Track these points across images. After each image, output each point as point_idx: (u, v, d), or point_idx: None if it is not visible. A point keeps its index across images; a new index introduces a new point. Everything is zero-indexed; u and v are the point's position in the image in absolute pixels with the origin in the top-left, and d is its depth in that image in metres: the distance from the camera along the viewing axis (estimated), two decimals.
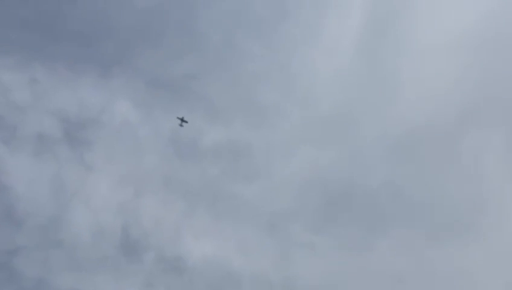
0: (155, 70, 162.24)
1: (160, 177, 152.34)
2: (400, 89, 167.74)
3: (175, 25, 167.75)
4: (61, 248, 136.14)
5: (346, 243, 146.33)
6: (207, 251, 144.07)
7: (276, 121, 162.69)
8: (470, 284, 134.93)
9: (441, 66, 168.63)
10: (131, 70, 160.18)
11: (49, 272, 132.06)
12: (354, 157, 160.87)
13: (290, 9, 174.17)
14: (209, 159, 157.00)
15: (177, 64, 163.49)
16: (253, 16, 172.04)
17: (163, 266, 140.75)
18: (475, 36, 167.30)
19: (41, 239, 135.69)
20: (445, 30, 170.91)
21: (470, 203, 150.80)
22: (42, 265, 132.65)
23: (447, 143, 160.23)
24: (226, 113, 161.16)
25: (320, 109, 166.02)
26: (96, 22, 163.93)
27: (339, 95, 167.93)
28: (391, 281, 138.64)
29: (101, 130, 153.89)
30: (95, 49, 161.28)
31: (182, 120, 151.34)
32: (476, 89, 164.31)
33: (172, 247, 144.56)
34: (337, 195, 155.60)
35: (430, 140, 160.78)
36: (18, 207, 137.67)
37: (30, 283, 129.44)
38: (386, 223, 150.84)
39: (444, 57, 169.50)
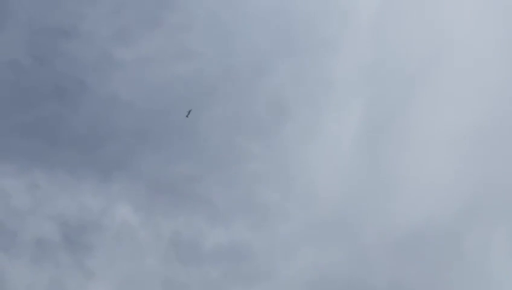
0: (155, 173, 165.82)
1: (161, 280, 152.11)
2: (401, 186, 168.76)
3: (175, 128, 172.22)
4: None
5: None
6: None
7: (277, 221, 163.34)
8: None
9: (441, 162, 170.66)
10: (131, 174, 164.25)
11: None
12: (357, 257, 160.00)
13: (289, 109, 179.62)
14: (210, 262, 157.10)
15: (177, 167, 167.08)
16: (253, 117, 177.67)
17: None
18: (476, 131, 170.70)
19: None
20: (445, 125, 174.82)
21: None
22: None
23: (450, 239, 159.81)
24: (227, 214, 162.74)
25: (321, 209, 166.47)
26: (96, 126, 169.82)
27: (340, 194, 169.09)
28: None
29: (101, 234, 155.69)
30: (95, 153, 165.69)
31: (189, 112, 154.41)
32: (478, 184, 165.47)
33: None
34: None
35: (434, 237, 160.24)
36: None
37: None
38: None
39: (444, 153, 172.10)
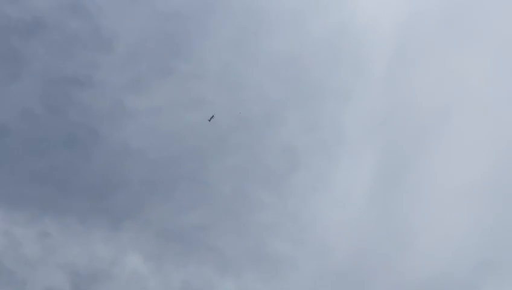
0: (165, 222, 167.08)
1: None
2: (413, 239, 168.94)
3: (185, 177, 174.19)
4: None
5: None
6: None
7: (288, 272, 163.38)
8: None
9: (455, 213, 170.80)
10: (141, 223, 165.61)
11: None
12: None
13: (300, 158, 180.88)
14: None
15: (187, 216, 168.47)
16: (263, 166, 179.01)
17: None
18: (490, 182, 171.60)
19: None
20: (458, 176, 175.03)
21: None
22: None
23: None
24: (237, 264, 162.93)
25: (332, 260, 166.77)
26: (108, 175, 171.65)
27: (352, 245, 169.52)
28: None
29: (111, 284, 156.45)
30: (106, 202, 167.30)
31: (211, 118, 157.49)
32: (493, 235, 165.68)
33: None
34: None
35: None
36: None
37: None
38: None
39: (458, 203, 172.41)
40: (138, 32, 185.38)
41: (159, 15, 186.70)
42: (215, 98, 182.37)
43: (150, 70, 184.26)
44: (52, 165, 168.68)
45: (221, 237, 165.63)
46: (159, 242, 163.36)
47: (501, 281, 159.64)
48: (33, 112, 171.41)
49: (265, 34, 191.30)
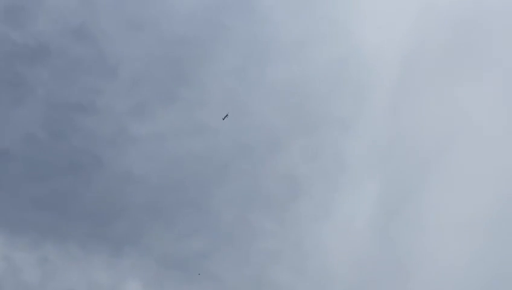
0: (166, 248, 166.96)
1: None
2: (415, 269, 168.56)
3: (187, 204, 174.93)
4: None
5: None
6: None
7: None
8: None
9: (457, 244, 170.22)
10: (142, 249, 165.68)
11: None
12: None
13: (302, 187, 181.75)
14: None
15: (188, 243, 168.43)
16: (265, 194, 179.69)
17: None
18: (490, 215, 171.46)
19: None
20: (459, 209, 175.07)
21: None
22: None
23: None
24: None
25: (334, 289, 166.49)
26: (109, 201, 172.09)
27: (353, 274, 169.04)
28: None
29: None
30: (107, 228, 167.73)
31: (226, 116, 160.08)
32: (494, 267, 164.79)
33: None
34: None
35: None
36: None
37: None
38: None
39: (460, 235, 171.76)
40: (142, 58, 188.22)
41: (164, 41, 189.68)
42: (218, 125, 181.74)
43: (154, 96, 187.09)
44: (53, 191, 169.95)
45: (222, 265, 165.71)
46: (160, 269, 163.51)
47: None
48: (36, 137, 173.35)
49: (268, 62, 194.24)
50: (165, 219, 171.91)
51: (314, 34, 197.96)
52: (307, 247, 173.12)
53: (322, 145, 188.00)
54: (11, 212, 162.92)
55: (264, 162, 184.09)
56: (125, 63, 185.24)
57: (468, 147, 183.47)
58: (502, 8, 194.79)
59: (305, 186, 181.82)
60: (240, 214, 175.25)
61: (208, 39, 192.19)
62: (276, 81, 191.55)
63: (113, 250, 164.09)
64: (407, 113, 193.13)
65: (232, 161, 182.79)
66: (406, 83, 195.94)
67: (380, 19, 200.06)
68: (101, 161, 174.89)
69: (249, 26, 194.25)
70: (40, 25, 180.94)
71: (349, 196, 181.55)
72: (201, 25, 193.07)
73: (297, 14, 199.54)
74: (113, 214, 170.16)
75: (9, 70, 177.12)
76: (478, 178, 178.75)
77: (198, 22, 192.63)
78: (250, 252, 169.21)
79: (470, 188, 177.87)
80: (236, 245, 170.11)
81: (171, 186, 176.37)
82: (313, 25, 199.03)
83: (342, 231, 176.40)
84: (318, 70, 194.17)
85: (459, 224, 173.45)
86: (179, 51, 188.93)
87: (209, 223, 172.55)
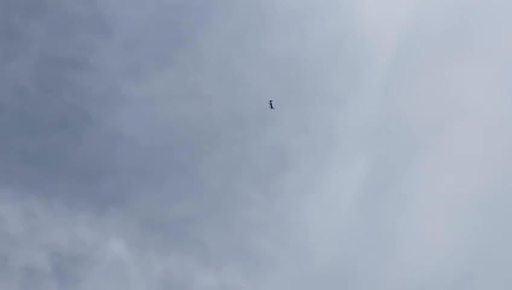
0: (151, 211, 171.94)
1: None
2: (399, 248, 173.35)
3: (175, 168, 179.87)
4: None
5: None
6: None
7: (268, 270, 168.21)
8: None
9: (442, 225, 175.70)
10: (127, 210, 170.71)
11: None
12: None
13: (290, 159, 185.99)
14: None
15: (174, 207, 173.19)
16: (253, 164, 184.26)
17: None
18: (478, 198, 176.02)
19: None
20: (447, 190, 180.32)
21: None
22: None
23: None
24: (219, 258, 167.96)
25: (315, 263, 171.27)
26: (97, 159, 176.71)
27: (336, 249, 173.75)
28: None
29: (91, 267, 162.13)
30: (93, 186, 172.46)
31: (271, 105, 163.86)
32: (477, 250, 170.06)
33: None
34: None
35: None
36: None
37: None
38: None
39: (445, 216, 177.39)
40: (140, 20, 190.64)
41: (162, 4, 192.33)
42: (212, 91, 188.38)
43: (149, 58, 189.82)
44: (42, 145, 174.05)
45: (205, 230, 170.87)
46: (144, 230, 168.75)
47: None
48: (27, 90, 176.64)
49: (266, 33, 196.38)
50: (152, 181, 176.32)
51: (314, 8, 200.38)
52: (291, 219, 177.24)
53: (313, 119, 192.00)
54: None
55: (255, 132, 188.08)
56: (122, 23, 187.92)
57: (460, 129, 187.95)
58: None
59: (293, 159, 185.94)
60: (226, 182, 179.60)
61: (207, 5, 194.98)
62: (272, 51, 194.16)
63: (98, 208, 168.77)
64: (401, 93, 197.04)
65: (223, 128, 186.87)
66: (402, 64, 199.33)
67: None
68: (91, 119, 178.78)
69: None
70: None
71: (337, 172, 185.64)
72: None
73: None
74: (100, 174, 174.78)
75: (3, 23, 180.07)
76: (468, 160, 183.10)
77: None
78: (234, 220, 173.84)
79: (459, 169, 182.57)
80: (221, 212, 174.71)
81: (160, 149, 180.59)
82: None
83: (328, 206, 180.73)
84: (315, 44, 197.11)
85: (447, 205, 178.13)
86: (177, 15, 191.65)
87: (195, 189, 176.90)
